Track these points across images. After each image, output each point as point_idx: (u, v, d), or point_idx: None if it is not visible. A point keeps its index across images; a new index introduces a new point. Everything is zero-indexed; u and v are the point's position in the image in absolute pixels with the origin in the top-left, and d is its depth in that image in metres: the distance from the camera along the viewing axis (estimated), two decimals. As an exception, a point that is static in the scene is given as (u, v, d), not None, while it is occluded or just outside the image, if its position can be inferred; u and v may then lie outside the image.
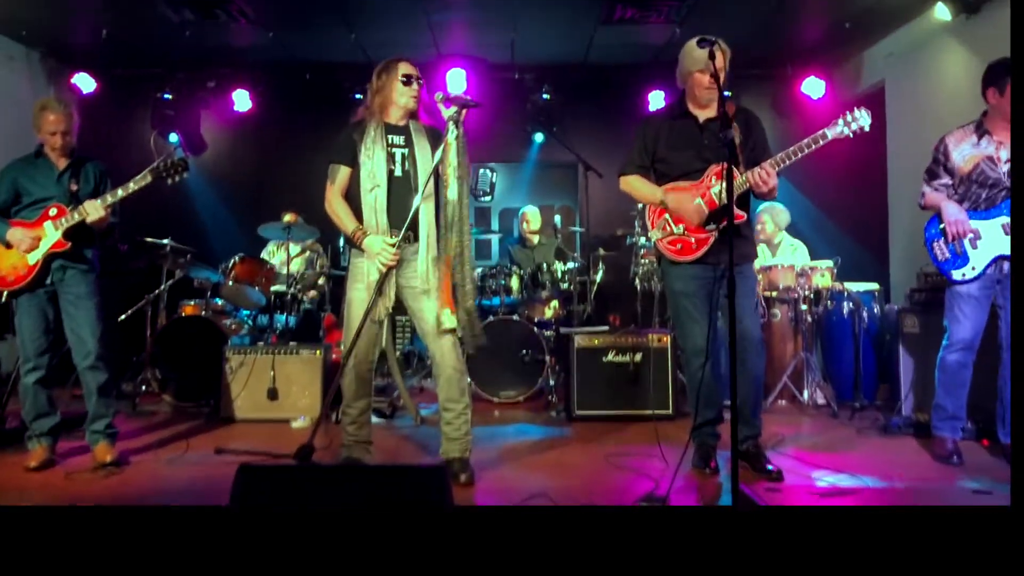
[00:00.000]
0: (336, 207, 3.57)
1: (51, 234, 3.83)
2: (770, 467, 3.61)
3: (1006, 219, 3.73)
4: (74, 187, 3.97)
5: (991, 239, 3.77)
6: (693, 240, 3.64)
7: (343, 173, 3.58)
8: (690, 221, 3.61)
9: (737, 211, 3.43)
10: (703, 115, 3.70)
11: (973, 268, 3.80)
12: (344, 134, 3.64)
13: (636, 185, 3.83)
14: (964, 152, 3.90)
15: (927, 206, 4.04)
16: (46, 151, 3.99)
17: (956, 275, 3.84)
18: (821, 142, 3.35)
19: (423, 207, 3.46)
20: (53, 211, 3.85)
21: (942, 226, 3.90)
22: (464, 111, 3.42)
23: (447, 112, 3.42)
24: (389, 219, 3.49)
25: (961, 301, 3.87)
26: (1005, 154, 3.79)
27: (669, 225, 3.71)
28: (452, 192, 3.40)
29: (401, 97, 3.58)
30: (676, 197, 3.64)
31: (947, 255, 3.88)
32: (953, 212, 3.84)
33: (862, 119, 3.30)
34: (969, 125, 3.95)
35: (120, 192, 3.82)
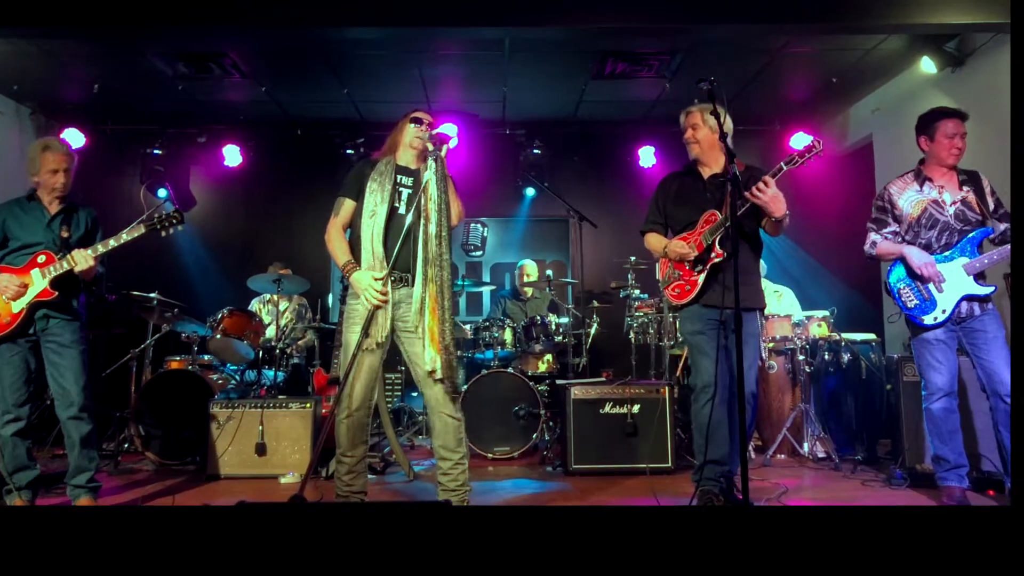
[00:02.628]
0: (334, 239, 3.57)
1: (38, 282, 3.73)
2: (740, 497, 3.60)
3: (965, 259, 3.82)
4: (65, 233, 3.86)
5: (954, 281, 3.83)
6: (686, 283, 3.91)
7: (347, 206, 3.58)
8: (682, 259, 3.86)
9: (717, 249, 3.75)
10: (707, 172, 3.99)
11: (944, 311, 3.84)
12: (355, 169, 3.67)
13: (651, 240, 4.15)
14: (910, 198, 4.01)
15: (880, 255, 4.08)
16: (39, 195, 3.90)
17: (927, 320, 3.88)
18: (779, 174, 3.56)
19: (419, 248, 3.41)
20: (42, 258, 3.75)
21: (897, 274, 4.00)
22: (444, 147, 3.45)
23: (429, 147, 3.46)
24: (385, 251, 3.44)
25: (932, 348, 3.91)
26: (949, 197, 3.93)
27: (671, 272, 4.00)
28: (432, 227, 3.37)
29: (409, 136, 3.61)
30: (671, 243, 3.94)
31: (915, 301, 3.93)
32: (919, 257, 3.89)
33: (816, 149, 3.49)
34: (908, 174, 4.09)
35: (112, 242, 3.75)
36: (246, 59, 6.19)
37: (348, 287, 3.61)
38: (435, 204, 3.37)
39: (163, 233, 3.82)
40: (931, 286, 3.86)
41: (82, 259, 3.70)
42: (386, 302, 3.40)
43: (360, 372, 3.40)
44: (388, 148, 3.66)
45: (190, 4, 4.88)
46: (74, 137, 7.15)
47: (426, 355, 3.36)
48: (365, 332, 3.37)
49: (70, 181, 3.92)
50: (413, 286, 3.45)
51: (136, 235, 3.76)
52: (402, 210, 3.53)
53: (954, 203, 3.91)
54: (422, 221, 3.41)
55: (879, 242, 4.07)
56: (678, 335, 5.63)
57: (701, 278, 3.83)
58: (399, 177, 3.57)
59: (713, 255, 3.76)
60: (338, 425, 3.46)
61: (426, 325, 3.35)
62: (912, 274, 3.93)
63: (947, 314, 3.83)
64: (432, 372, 3.38)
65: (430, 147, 3.45)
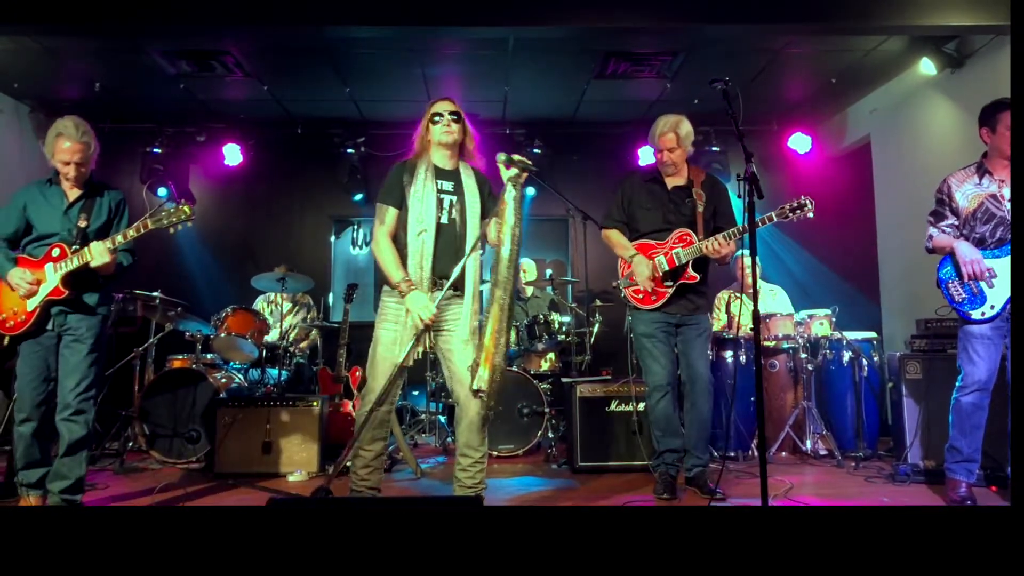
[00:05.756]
0: (384, 251, 3.49)
1: (50, 279, 3.55)
2: (714, 488, 4.05)
3: None
4: (83, 223, 3.63)
5: (1007, 277, 3.74)
6: (652, 292, 4.20)
7: (392, 215, 3.52)
8: (642, 283, 4.16)
9: (692, 272, 4.13)
10: (671, 182, 4.30)
11: (992, 307, 3.77)
12: (393, 173, 3.59)
13: (613, 238, 4.41)
14: (967, 192, 3.93)
15: (936, 248, 4.02)
16: (59, 179, 3.69)
17: (975, 315, 3.80)
18: (767, 223, 3.87)
19: (470, 260, 3.43)
20: (56, 251, 3.58)
21: (948, 268, 3.92)
22: (524, 175, 3.40)
23: (506, 173, 3.36)
24: (434, 266, 3.44)
25: (976, 342, 3.83)
26: (1008, 192, 3.83)
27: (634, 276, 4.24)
28: (505, 250, 3.33)
29: (434, 135, 3.57)
30: (639, 261, 4.19)
31: (964, 295, 3.85)
32: (968, 252, 3.82)
33: (807, 208, 3.79)
34: (971, 166, 4.00)
35: (119, 239, 3.52)
36: (249, 57, 6.18)
37: (380, 284, 3.62)
38: (510, 228, 3.33)
39: (171, 230, 3.55)
40: (982, 281, 3.79)
41: (98, 253, 3.49)
42: (432, 323, 3.38)
43: (386, 369, 3.41)
44: (420, 148, 3.62)
45: (195, 2, 4.88)
46: (73, 135, 7.12)
47: (480, 371, 3.34)
48: (417, 341, 3.36)
49: (87, 172, 3.70)
50: (454, 289, 3.47)
51: (144, 231, 3.51)
52: (444, 219, 3.51)
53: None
54: (497, 244, 3.36)
55: (935, 236, 4.01)
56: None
57: (670, 292, 4.16)
58: (440, 183, 3.53)
59: (687, 276, 4.13)
60: (358, 418, 3.48)
61: (484, 343, 3.33)
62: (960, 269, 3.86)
63: (996, 310, 3.76)
64: (479, 391, 3.36)
65: (505, 173, 3.35)
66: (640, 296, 4.23)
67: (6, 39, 5.67)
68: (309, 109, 7.51)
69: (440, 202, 3.51)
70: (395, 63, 6.33)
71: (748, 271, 5.97)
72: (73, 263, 3.54)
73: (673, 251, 4.11)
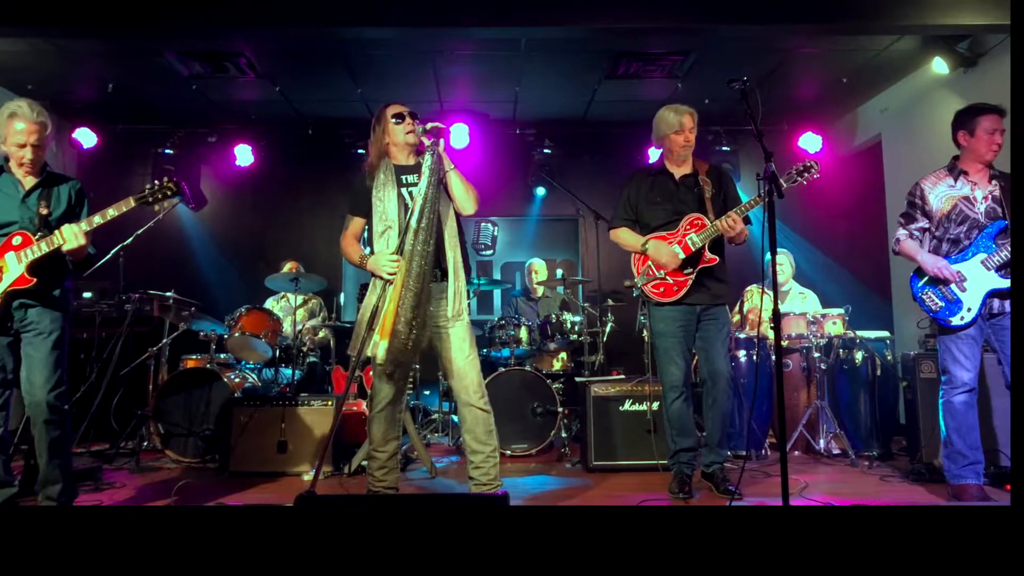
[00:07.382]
0: (347, 247, 3.70)
1: (13, 268, 3.27)
2: (732, 488, 4.01)
3: (982, 255, 3.83)
4: (44, 210, 3.38)
5: (976, 278, 3.84)
6: (673, 283, 4.09)
7: (356, 224, 3.70)
8: (666, 266, 4.05)
9: (710, 255, 4.05)
10: (679, 172, 4.24)
11: (969, 310, 3.84)
12: (359, 184, 3.69)
13: (623, 236, 4.32)
14: (941, 194, 4.00)
15: (901, 253, 4.13)
16: (10, 166, 3.43)
17: (955, 321, 3.87)
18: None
19: (447, 243, 3.46)
20: (17, 240, 3.29)
21: (925, 280, 4.01)
22: (440, 140, 3.46)
23: (428, 143, 3.46)
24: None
25: (960, 343, 3.90)
26: (980, 193, 3.93)
27: (652, 270, 4.14)
28: (413, 220, 3.36)
29: (398, 135, 3.63)
30: (655, 244, 4.10)
31: (940, 304, 3.92)
32: (930, 260, 3.93)
33: (814, 169, 3.81)
34: (942, 169, 4.08)
35: (97, 219, 3.31)
36: (261, 58, 6.22)
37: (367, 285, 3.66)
38: (421, 198, 3.37)
39: (156, 206, 3.42)
40: (954, 287, 3.86)
41: (71, 235, 3.26)
42: (395, 272, 3.38)
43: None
44: (380, 154, 3.66)
45: (211, 4, 4.90)
46: (86, 136, 7.18)
47: (373, 339, 3.33)
48: (370, 326, 3.39)
49: (43, 156, 3.46)
50: (441, 281, 3.50)
51: (125, 209, 3.34)
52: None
53: (985, 199, 3.90)
54: (407, 212, 3.44)
55: (902, 240, 4.11)
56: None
57: (691, 280, 4.06)
58: (403, 178, 3.59)
59: (706, 259, 4.04)
60: (370, 420, 3.50)
61: (383, 317, 3.32)
62: (932, 278, 3.95)
63: (974, 313, 3.82)
64: (372, 358, 3.35)
65: (426, 141, 3.44)
66: (661, 290, 4.11)
67: (20, 41, 5.71)
68: (320, 110, 7.54)
69: (404, 199, 3.55)
70: (407, 64, 6.36)
71: (780, 268, 6.01)
72: (42, 249, 3.30)
73: (687, 237, 4.04)
